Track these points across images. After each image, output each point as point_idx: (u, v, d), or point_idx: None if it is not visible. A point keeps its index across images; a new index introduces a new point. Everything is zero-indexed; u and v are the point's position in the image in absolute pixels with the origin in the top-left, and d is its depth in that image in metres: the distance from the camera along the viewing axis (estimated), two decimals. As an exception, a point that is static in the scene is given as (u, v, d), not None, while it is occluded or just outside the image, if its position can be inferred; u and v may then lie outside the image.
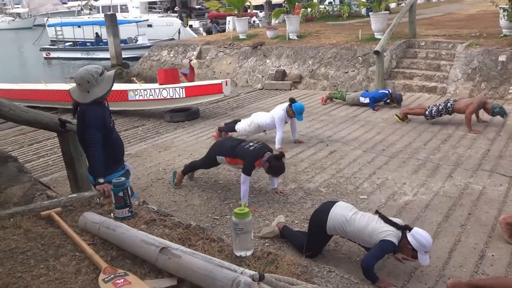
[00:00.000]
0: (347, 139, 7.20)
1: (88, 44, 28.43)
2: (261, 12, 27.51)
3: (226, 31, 18.16)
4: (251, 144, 5.11)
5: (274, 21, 18.28)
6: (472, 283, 3.25)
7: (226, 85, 8.81)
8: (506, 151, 6.30)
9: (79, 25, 29.29)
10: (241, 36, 14.45)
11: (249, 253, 2.28)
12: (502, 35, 10.60)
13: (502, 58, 9.57)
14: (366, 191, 5.26)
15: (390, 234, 3.46)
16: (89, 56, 27.35)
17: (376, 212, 3.72)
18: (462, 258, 3.84)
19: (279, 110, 6.88)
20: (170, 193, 5.51)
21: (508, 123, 7.49)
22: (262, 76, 12.65)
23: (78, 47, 28.63)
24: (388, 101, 9.18)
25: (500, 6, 10.27)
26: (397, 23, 10.90)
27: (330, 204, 3.89)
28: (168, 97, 9.13)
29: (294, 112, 6.74)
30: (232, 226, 2.27)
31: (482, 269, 3.67)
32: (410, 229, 3.49)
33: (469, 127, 7.17)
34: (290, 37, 13.35)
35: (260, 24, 19.83)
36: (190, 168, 5.68)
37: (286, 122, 7.00)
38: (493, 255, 3.86)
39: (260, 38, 14.17)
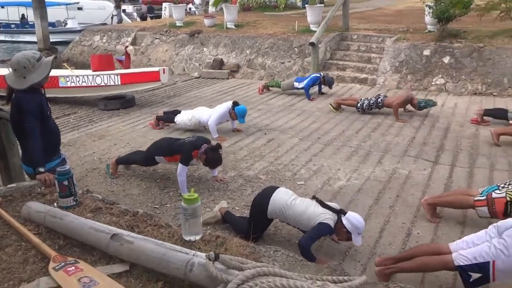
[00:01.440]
0: (284, 128, 7.44)
1: (12, 26, 26.80)
2: (197, -1, 27.23)
3: (162, 17, 17.82)
4: (187, 138, 5.22)
5: (211, 9, 18.22)
6: (396, 256, 3.55)
7: (164, 73, 8.73)
8: (429, 138, 6.80)
9: (2, 5, 27.49)
10: (177, 23, 14.31)
11: (198, 237, 2.38)
12: (427, 30, 11.30)
13: (426, 52, 10.22)
14: (303, 177, 5.50)
15: (327, 217, 3.69)
16: (13, 39, 25.84)
17: (313, 197, 3.95)
18: (391, 237, 4.17)
19: (223, 106, 6.95)
20: (107, 183, 5.43)
21: (431, 112, 8.07)
22: (200, 65, 12.64)
23: (1, 29, 26.91)
24: (322, 90, 9.56)
25: (426, 3, 10.92)
26: (331, 16, 11.30)
27: (271, 189, 4.06)
28: (103, 84, 8.89)
29: (236, 115, 6.86)
30: (181, 211, 2.36)
31: (409, 246, 4.01)
32: (344, 213, 3.75)
33: (396, 117, 7.65)
34: (228, 26, 13.41)
35: (196, 11, 19.66)
36: (126, 161, 5.62)
37: (226, 121, 7.11)
38: (418, 233, 4.22)
39: (198, 26, 14.11)
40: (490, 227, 3.27)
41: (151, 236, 2.36)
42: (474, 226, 4.26)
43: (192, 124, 7.11)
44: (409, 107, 8.07)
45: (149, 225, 2.60)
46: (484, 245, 3.09)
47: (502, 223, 3.23)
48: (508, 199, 3.94)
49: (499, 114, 7.31)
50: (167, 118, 7.42)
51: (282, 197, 3.92)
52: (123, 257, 2.19)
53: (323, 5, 13.16)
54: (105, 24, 21.85)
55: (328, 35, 11.63)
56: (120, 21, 26.11)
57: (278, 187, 4.16)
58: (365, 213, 4.55)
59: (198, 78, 12.11)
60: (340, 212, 3.76)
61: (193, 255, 1.97)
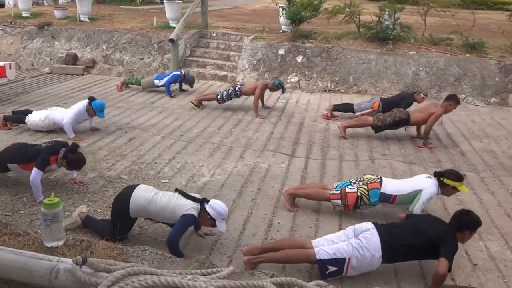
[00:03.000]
0: (146, 126, 7.30)
1: None
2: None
3: (6, 6, 16.11)
4: (44, 143, 4.89)
5: (62, 1, 16.97)
6: (263, 246, 3.78)
7: (10, 68, 7.98)
8: (286, 133, 7.26)
9: None
10: (24, 14, 13.03)
11: (60, 243, 2.26)
12: (281, 31, 11.97)
13: (281, 51, 10.85)
14: (167, 175, 5.48)
15: (190, 208, 3.74)
16: None
17: (176, 190, 3.98)
18: (255, 228, 4.38)
19: (79, 105, 6.59)
20: None
21: (287, 109, 8.61)
22: (51, 59, 11.73)
23: None
24: (183, 87, 9.58)
25: (279, 4, 11.56)
26: (190, 13, 11.34)
27: (131, 188, 3.98)
28: None
29: (94, 111, 6.53)
30: (41, 217, 2.21)
31: (271, 235, 4.26)
32: (208, 201, 3.85)
33: (255, 113, 8.01)
34: (82, 19, 12.63)
35: (45, 2, 18.14)
36: None
37: (86, 119, 6.76)
38: (279, 223, 4.51)
39: (47, 17, 13.03)
40: (347, 228, 3.77)
41: (7, 246, 2.17)
42: (327, 214, 4.70)
43: (45, 125, 6.59)
44: (267, 102, 8.53)
45: (4, 234, 2.39)
46: (344, 243, 3.59)
47: (359, 226, 3.76)
48: (359, 194, 4.47)
49: (346, 108, 8.10)
50: (17, 119, 6.78)
51: (143, 194, 3.87)
52: (-24, 271, 1.98)
53: (182, 1, 13.11)
54: None
55: (188, 32, 11.67)
56: None
57: (138, 184, 4.08)
58: (229, 206, 4.69)
59: (50, 74, 11.22)
60: (203, 201, 3.84)
61: (58, 261, 1.87)
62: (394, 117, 6.83)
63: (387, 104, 7.61)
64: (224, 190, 5.14)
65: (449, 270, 3.47)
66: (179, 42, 10.89)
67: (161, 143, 6.55)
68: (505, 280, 3.80)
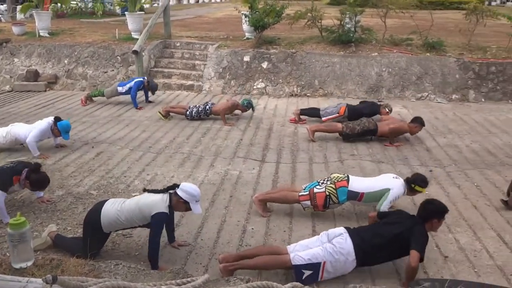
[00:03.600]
0: (113, 139, 7.19)
1: None
2: (2, 4, 24.47)
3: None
4: (5, 164, 4.78)
5: (19, 16, 16.57)
6: (238, 254, 3.78)
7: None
8: (255, 139, 7.28)
9: None
10: (-21, 31, 12.69)
11: (29, 263, 2.19)
12: (245, 38, 12.03)
13: (246, 58, 10.90)
14: (138, 188, 5.40)
15: (157, 204, 3.68)
16: None
17: (144, 189, 3.96)
18: (229, 235, 4.37)
19: (44, 122, 6.41)
20: None
21: (255, 115, 8.64)
22: (11, 77, 11.42)
23: None
24: (149, 99, 9.49)
25: (242, 12, 11.62)
26: (153, 23, 11.27)
27: (100, 204, 3.92)
28: None
29: (60, 131, 6.38)
30: (8, 238, 2.14)
31: (246, 242, 4.26)
32: (178, 185, 3.80)
33: (224, 121, 8.00)
34: (41, 34, 12.36)
35: (2, 18, 17.69)
36: None
37: (48, 137, 6.58)
38: (253, 228, 4.51)
39: (5, 34, 12.70)
40: (321, 234, 3.85)
41: (-29, 271, 2.10)
42: (300, 217, 4.73)
43: (7, 142, 6.40)
44: (236, 111, 8.55)
45: (-34, 259, 2.30)
46: (318, 248, 3.66)
47: (332, 231, 3.84)
48: (327, 193, 4.53)
49: (313, 112, 8.19)
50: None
51: (112, 206, 3.82)
52: None
53: (143, 12, 13.05)
54: None
55: (151, 42, 11.58)
56: None
57: (108, 199, 4.02)
58: (202, 216, 4.67)
59: (11, 91, 10.92)
60: (173, 187, 3.81)
61: (27, 282, 1.83)
62: (362, 127, 7.01)
63: (353, 111, 7.77)
64: (196, 200, 5.10)
65: (421, 260, 3.55)
66: (143, 54, 10.80)
67: (130, 156, 6.47)
68: (475, 270, 3.91)
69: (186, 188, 3.76)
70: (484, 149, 6.92)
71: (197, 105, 8.34)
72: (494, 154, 6.71)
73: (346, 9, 11.25)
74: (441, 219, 3.82)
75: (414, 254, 3.50)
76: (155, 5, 25.72)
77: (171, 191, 3.79)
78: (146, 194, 3.85)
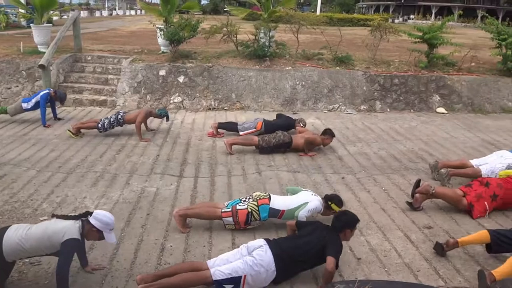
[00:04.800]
0: (18, 160, 6.70)
1: None
2: None
3: None
4: None
5: None
6: (156, 273, 3.67)
7: None
8: (173, 154, 7.16)
9: None
10: None
11: None
12: (160, 52, 11.87)
13: (162, 72, 10.74)
14: (46, 211, 5.07)
15: (68, 231, 3.46)
16: None
17: (53, 215, 3.71)
18: (146, 255, 4.23)
19: None
20: None
21: (172, 129, 8.52)
22: None
23: None
24: (58, 116, 8.99)
25: (157, 26, 11.46)
26: (61, 36, 10.76)
27: (3, 230, 3.61)
28: None
29: None
30: None
31: (165, 260, 4.15)
32: (90, 213, 3.63)
33: (139, 136, 7.79)
34: None
35: None
36: None
37: None
38: (171, 246, 4.41)
39: None
40: (241, 246, 3.87)
41: None
42: (220, 231, 4.71)
43: None
44: (150, 124, 8.37)
45: None
46: (239, 261, 3.67)
47: (252, 243, 3.88)
48: (249, 210, 4.62)
49: (230, 127, 8.25)
50: None
51: (15, 233, 3.51)
52: None
53: (51, 24, 12.38)
54: None
55: (60, 56, 11.04)
56: None
57: (9, 226, 3.71)
58: (117, 237, 4.48)
59: None
60: (85, 215, 3.62)
61: None
62: (278, 140, 7.20)
63: (270, 126, 7.94)
64: (111, 220, 4.90)
65: (336, 267, 3.70)
66: (51, 68, 10.27)
67: (37, 178, 6.06)
68: (386, 269, 4.14)
69: (100, 216, 3.59)
70: (390, 156, 7.36)
71: (109, 116, 8.03)
72: (399, 160, 7.17)
73: (261, 24, 11.50)
74: (353, 229, 4.08)
75: (330, 259, 3.67)
76: (65, 17, 24.67)
77: (83, 218, 3.60)
78: (54, 219, 3.60)
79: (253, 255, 3.71)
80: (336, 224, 4.01)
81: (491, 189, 5.27)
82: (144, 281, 3.55)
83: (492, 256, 4.39)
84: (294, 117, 8.74)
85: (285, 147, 7.28)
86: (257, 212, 4.61)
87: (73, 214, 3.69)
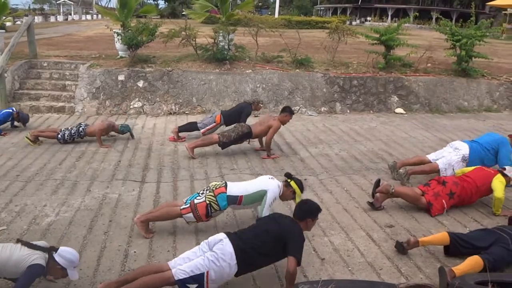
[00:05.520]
0: (-27, 170, 6.50)
1: None
2: None
3: None
4: None
5: None
6: (119, 279, 3.63)
7: None
8: (134, 160, 7.10)
9: None
10: None
11: None
12: (119, 56, 11.71)
13: (121, 77, 10.60)
14: (5, 221, 4.94)
15: (36, 257, 3.44)
16: None
17: (18, 240, 3.61)
18: (110, 262, 4.19)
19: None
20: None
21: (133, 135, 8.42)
22: None
23: None
24: (15, 123, 8.74)
25: (114, 30, 11.30)
26: (15, 42, 10.47)
27: None
28: None
29: None
30: None
31: (128, 266, 4.12)
32: (56, 249, 3.57)
33: (100, 143, 7.68)
34: None
35: None
36: None
37: None
38: (135, 252, 4.38)
39: None
40: (202, 243, 3.82)
41: None
42: (184, 234, 4.72)
43: None
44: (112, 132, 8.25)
45: None
46: (199, 258, 3.61)
47: (212, 238, 3.82)
48: (207, 202, 4.57)
49: (190, 127, 8.22)
50: None
51: None
52: None
53: (4, 31, 12.05)
54: None
55: (14, 63, 10.72)
56: None
57: None
58: (79, 244, 4.43)
59: None
60: (50, 250, 3.57)
61: None
62: (237, 132, 7.17)
63: (228, 116, 7.99)
64: (72, 228, 4.82)
65: (299, 264, 3.68)
66: (5, 75, 9.96)
67: (-6, 187, 5.89)
68: (349, 268, 4.24)
69: (65, 254, 3.54)
70: (351, 156, 7.55)
71: (70, 127, 7.90)
72: (360, 160, 7.36)
73: (219, 27, 11.54)
74: (314, 218, 4.04)
75: (291, 260, 3.63)
76: (18, 22, 23.95)
77: (50, 252, 3.54)
78: (19, 245, 3.51)
79: (214, 250, 3.66)
80: (297, 214, 3.98)
81: (448, 187, 5.47)
82: (107, 288, 3.52)
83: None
84: (249, 100, 8.76)
85: (247, 138, 7.32)
86: (216, 203, 4.56)
87: (39, 243, 3.59)
